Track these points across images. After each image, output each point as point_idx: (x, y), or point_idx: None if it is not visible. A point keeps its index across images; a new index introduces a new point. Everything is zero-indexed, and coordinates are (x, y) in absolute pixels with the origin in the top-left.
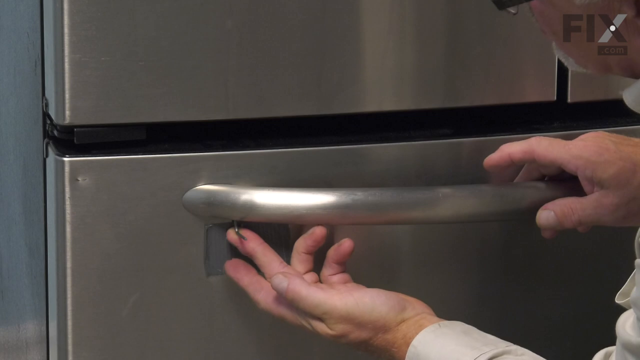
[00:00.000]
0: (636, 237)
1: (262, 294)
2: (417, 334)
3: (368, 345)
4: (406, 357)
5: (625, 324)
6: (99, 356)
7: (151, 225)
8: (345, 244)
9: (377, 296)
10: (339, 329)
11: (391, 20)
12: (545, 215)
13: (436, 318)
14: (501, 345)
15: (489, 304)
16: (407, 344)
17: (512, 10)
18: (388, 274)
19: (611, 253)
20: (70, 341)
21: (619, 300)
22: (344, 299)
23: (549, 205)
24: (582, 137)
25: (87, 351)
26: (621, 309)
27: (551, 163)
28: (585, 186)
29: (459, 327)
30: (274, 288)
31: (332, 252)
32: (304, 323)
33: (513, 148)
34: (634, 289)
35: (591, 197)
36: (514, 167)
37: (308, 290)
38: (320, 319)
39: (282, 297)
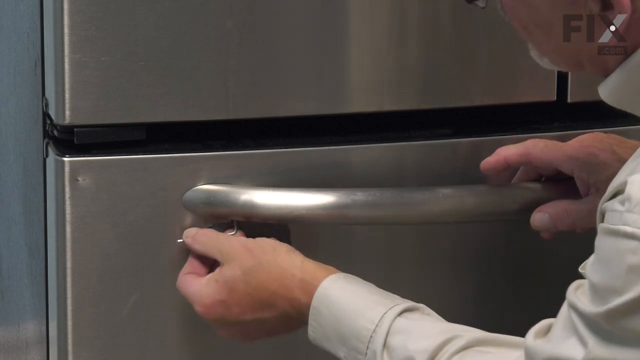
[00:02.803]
0: (600, 204)
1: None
2: (322, 277)
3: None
4: (314, 296)
5: (576, 290)
6: (99, 356)
7: (151, 225)
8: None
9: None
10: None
11: (391, 20)
12: (540, 218)
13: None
14: (409, 302)
15: (488, 304)
16: (312, 284)
17: (480, 4)
18: (388, 274)
19: None
20: (70, 341)
21: (582, 269)
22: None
23: (544, 207)
24: (579, 138)
25: (87, 351)
26: None
27: (548, 165)
28: (581, 187)
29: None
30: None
31: None
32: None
33: (509, 151)
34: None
35: (587, 199)
36: (510, 170)
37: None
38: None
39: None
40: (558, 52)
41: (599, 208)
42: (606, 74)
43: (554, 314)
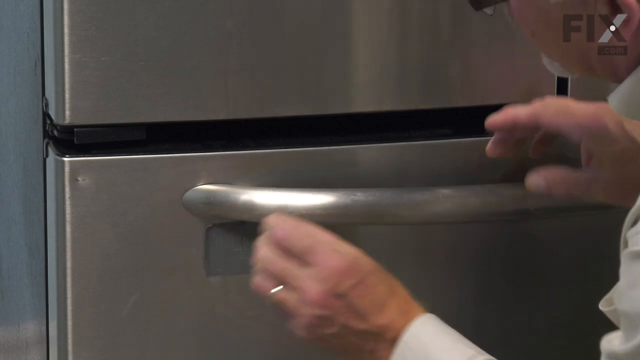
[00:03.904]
0: (623, 232)
1: None
2: (406, 323)
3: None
4: (409, 329)
5: (611, 340)
6: (99, 356)
7: (151, 225)
8: None
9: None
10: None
11: (391, 20)
12: (535, 181)
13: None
14: (480, 351)
15: (488, 304)
16: (396, 332)
17: (488, 11)
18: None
19: (611, 253)
20: (70, 341)
21: (603, 307)
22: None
23: (542, 170)
24: (589, 105)
25: (87, 351)
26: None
27: (556, 130)
28: (584, 157)
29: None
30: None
31: None
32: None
33: (518, 112)
34: (620, 281)
35: (587, 170)
36: (516, 131)
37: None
38: (307, 262)
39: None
40: (569, 57)
41: (622, 236)
42: (617, 79)
43: (554, 314)
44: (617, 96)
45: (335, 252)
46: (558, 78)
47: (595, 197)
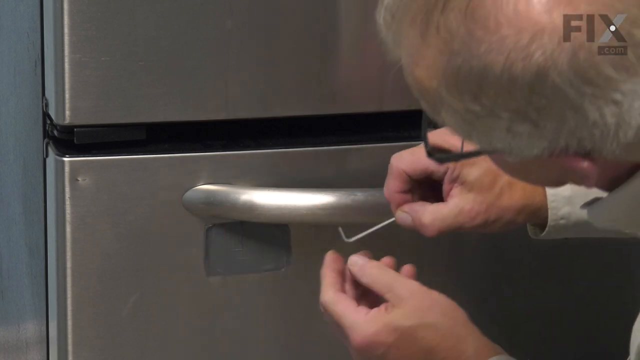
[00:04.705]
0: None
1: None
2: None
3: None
4: None
5: None
6: (99, 356)
7: (151, 225)
8: (406, 269)
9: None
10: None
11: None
12: (403, 217)
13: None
14: None
15: (488, 304)
16: None
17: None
18: None
19: (611, 252)
20: (70, 341)
21: None
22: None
23: (407, 207)
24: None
25: (87, 351)
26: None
27: (423, 172)
28: (446, 190)
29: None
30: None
31: None
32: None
33: (397, 174)
34: None
35: (451, 203)
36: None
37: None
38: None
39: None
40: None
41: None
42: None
43: (553, 314)
44: (599, 210)
45: (356, 326)
46: None
47: (464, 229)
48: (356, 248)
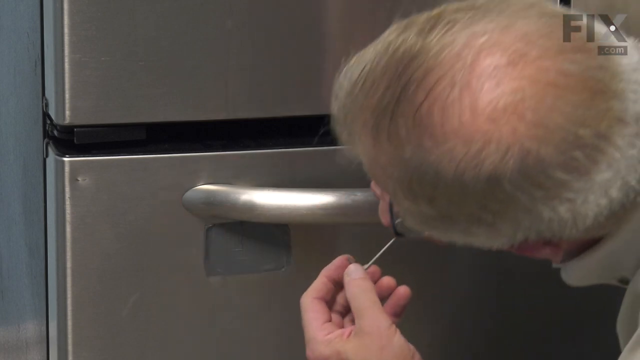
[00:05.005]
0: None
1: None
2: None
3: None
4: None
5: None
6: (99, 356)
7: (151, 225)
8: (401, 291)
9: None
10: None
11: (391, 20)
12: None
13: None
14: None
15: (488, 304)
16: None
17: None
18: (387, 274)
19: None
20: (70, 341)
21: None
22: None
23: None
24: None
25: (87, 351)
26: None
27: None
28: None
29: None
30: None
31: (388, 301)
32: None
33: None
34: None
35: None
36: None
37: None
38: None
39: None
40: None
41: (626, 313)
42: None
43: (553, 313)
44: (570, 270)
45: (314, 343)
46: None
47: None
48: (356, 250)
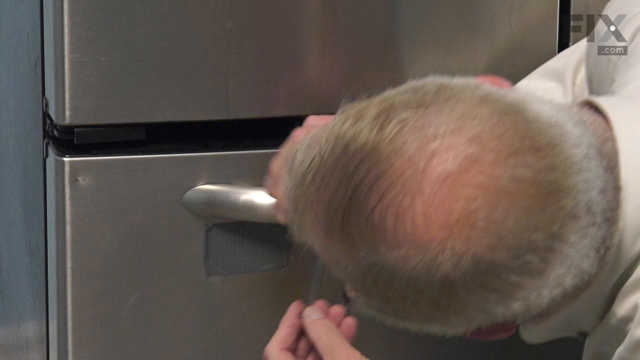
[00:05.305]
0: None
1: None
2: None
3: None
4: None
5: None
6: (99, 356)
7: (151, 225)
8: (347, 322)
9: None
10: None
11: (391, 19)
12: None
13: None
14: None
15: None
16: None
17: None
18: None
19: None
20: (70, 341)
21: None
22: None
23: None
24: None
25: (87, 351)
26: None
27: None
28: None
29: None
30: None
31: None
32: None
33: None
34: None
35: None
36: None
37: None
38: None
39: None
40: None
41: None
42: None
43: None
44: (529, 333)
45: None
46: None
47: None
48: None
